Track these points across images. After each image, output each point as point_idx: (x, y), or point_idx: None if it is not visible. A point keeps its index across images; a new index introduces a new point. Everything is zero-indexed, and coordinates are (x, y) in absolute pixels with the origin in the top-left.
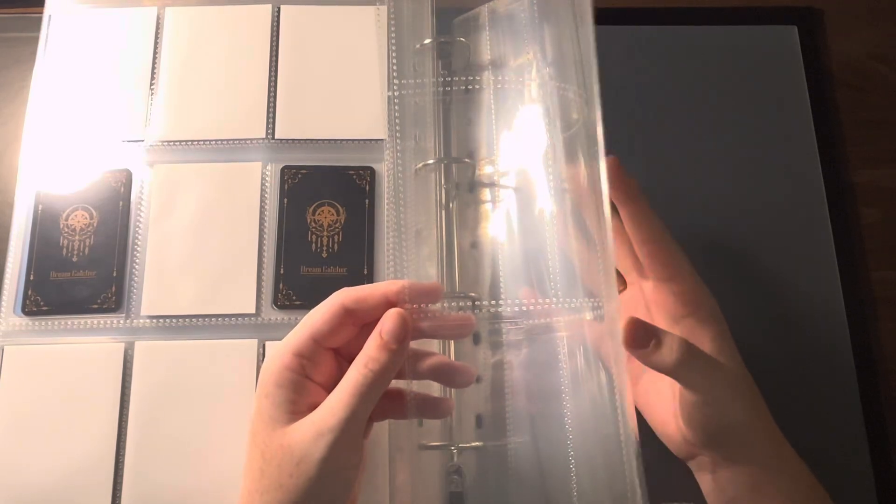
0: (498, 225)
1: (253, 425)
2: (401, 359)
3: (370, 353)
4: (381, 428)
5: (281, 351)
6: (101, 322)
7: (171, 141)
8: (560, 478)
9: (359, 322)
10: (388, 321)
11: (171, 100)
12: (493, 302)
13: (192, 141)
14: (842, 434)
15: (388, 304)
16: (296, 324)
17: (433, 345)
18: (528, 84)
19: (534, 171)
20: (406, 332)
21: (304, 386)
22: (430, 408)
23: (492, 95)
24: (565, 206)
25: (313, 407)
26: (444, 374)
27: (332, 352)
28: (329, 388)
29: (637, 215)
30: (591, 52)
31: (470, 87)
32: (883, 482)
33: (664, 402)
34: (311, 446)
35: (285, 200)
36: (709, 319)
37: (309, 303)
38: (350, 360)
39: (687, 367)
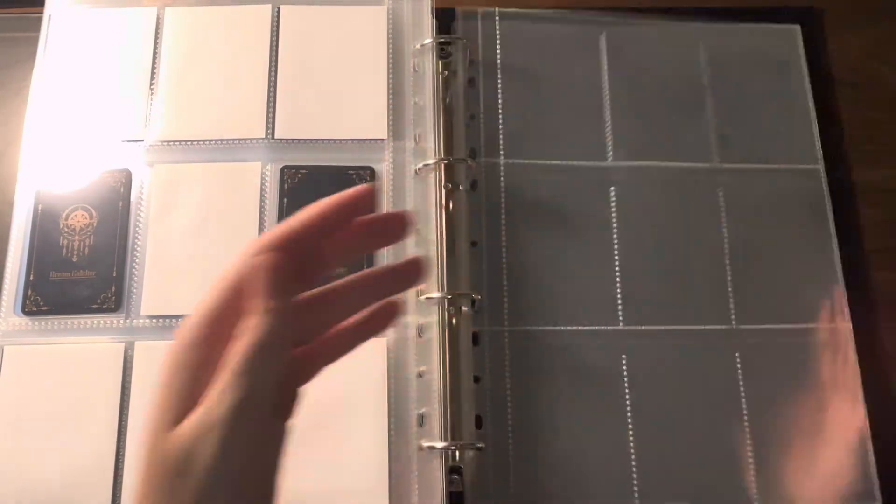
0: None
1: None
2: (288, 314)
3: (247, 322)
4: (381, 428)
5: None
6: (101, 322)
7: (171, 141)
8: None
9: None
10: (252, 282)
11: (171, 100)
12: None
13: (192, 141)
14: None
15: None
16: None
17: (434, 346)
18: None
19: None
20: (283, 280)
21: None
22: (376, 319)
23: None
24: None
25: None
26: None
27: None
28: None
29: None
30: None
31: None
32: (885, 479)
33: None
34: (199, 445)
35: (285, 200)
36: None
37: None
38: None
39: None
